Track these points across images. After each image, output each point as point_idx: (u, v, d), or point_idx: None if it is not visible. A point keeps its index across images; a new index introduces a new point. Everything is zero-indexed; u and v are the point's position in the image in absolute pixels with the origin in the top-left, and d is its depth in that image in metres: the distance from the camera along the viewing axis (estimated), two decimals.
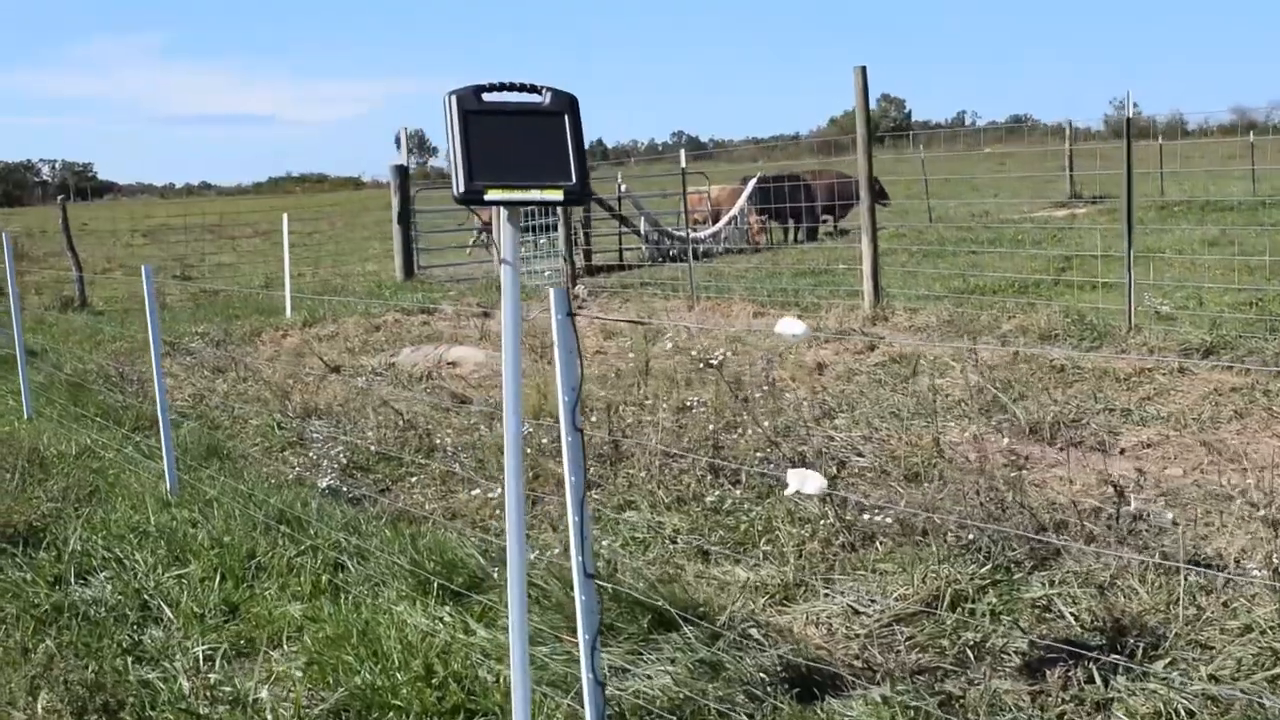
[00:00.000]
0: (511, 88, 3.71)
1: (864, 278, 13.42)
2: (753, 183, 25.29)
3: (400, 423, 8.82)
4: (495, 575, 5.56)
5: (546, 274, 19.78)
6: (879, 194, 25.61)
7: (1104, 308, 12.15)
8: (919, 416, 8.40)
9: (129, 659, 5.14)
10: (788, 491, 3.27)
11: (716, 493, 6.66)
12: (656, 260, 23.77)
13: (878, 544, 5.77)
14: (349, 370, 12.09)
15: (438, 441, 8.34)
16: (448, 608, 5.34)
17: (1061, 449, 7.54)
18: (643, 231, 24.53)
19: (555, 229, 19.27)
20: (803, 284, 17.06)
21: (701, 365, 7.32)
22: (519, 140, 3.67)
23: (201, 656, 5.12)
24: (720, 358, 6.86)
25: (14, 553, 6.59)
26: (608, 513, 6.59)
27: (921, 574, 5.16)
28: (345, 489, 7.59)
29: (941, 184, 33.33)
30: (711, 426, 7.50)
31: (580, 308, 16.31)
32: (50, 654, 5.15)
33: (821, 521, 5.94)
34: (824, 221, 27.23)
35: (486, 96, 3.67)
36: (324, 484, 7.59)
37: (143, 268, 7.81)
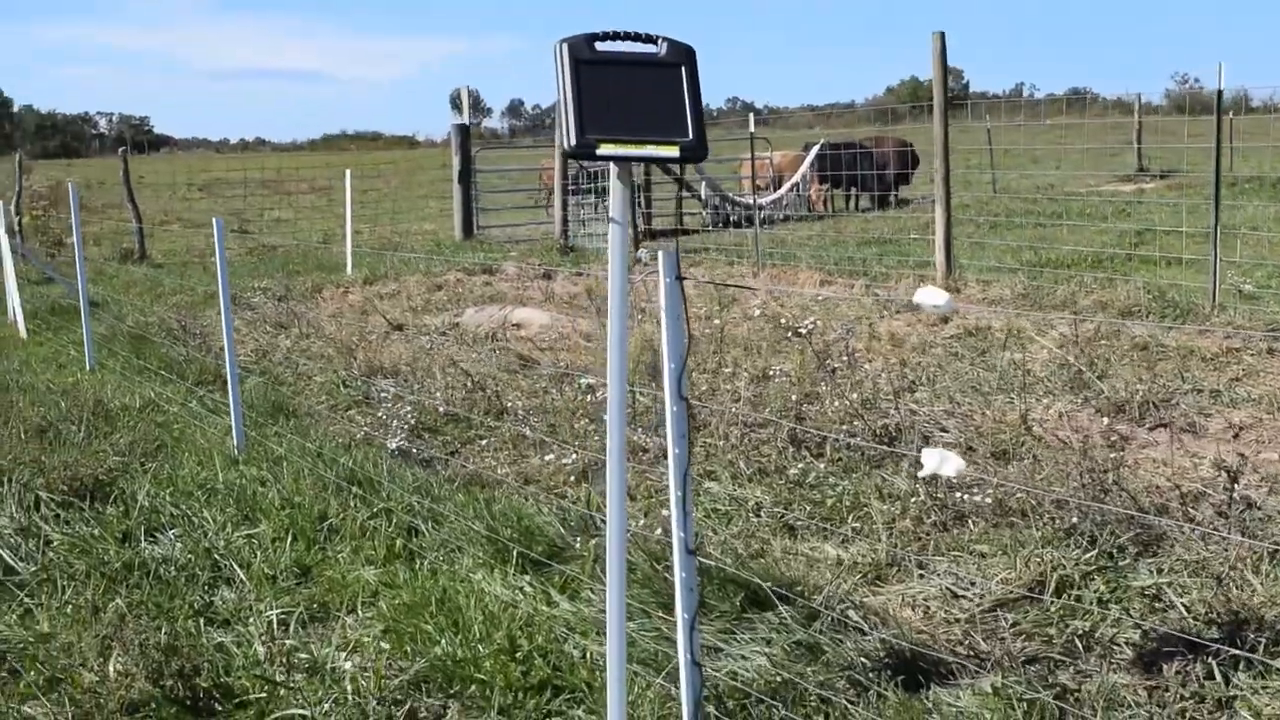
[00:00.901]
0: (625, 37, 3.51)
1: (936, 248, 13.14)
2: (815, 149, 24.99)
3: (469, 384, 8.66)
4: (576, 545, 5.39)
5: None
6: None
7: (1185, 285, 11.82)
8: (1001, 391, 8.17)
9: (201, 621, 5.01)
10: (922, 473, 3.08)
11: (800, 465, 6.46)
12: (717, 225, 23.54)
13: (970, 524, 5.56)
14: (412, 329, 11.95)
15: (507, 404, 8.17)
16: (528, 577, 5.18)
17: (1151, 429, 7.30)
18: (703, 196, 24.29)
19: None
20: (869, 253, 16.79)
21: (789, 334, 7.11)
22: (633, 93, 3.48)
23: (276, 621, 4.98)
24: (811, 326, 6.65)
25: (81, 507, 6.47)
26: (693, 478, 6.42)
27: (1025, 557, 4.95)
28: (415, 450, 7.44)
29: (1001, 155, 32.78)
30: (795, 396, 7.29)
31: (641, 272, 16.10)
32: (121, 613, 5.02)
33: (912, 499, 5.74)
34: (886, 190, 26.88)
35: (599, 45, 3.47)
36: (393, 445, 7.44)
37: (214, 220, 7.67)
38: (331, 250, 21.02)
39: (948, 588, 4.84)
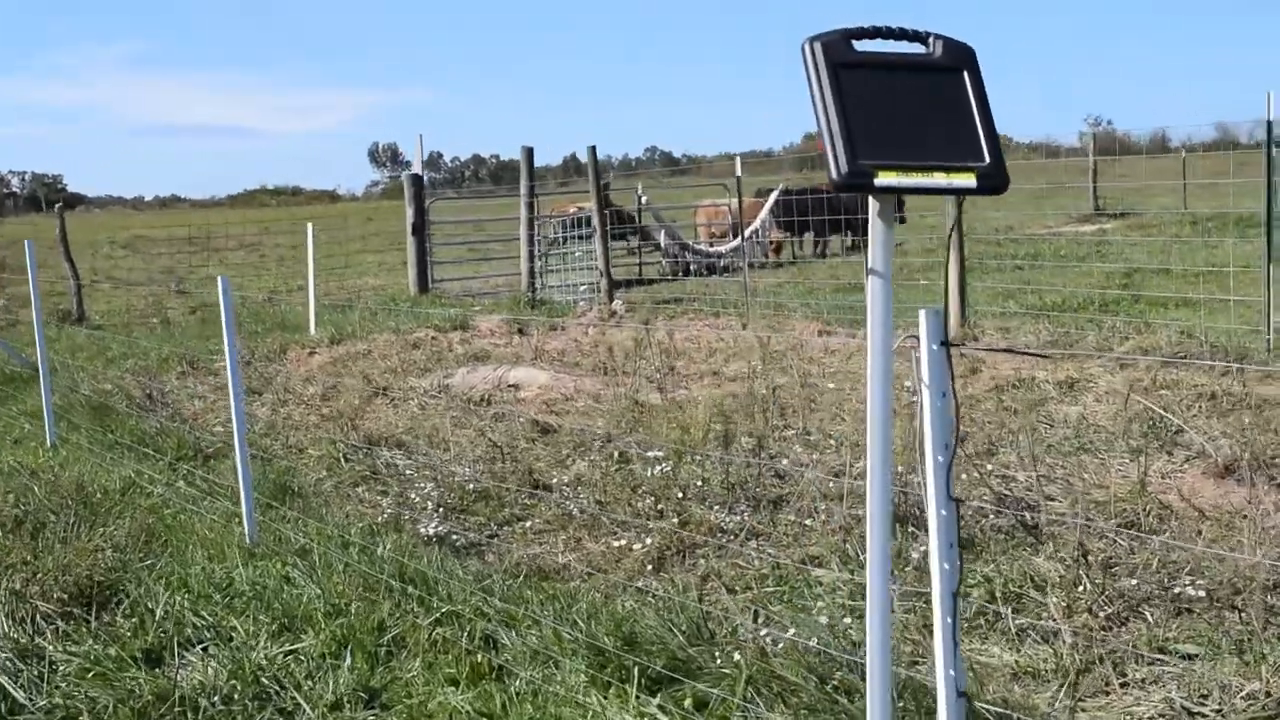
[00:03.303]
0: (888, 34, 2.72)
1: (949, 294, 12.42)
2: (775, 195, 24.36)
3: (495, 454, 7.80)
4: (716, 659, 4.51)
5: (582, 288, 18.73)
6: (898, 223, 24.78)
7: (1228, 328, 11.18)
8: (1085, 451, 7.43)
9: None
10: None
11: (920, 547, 5.64)
12: (676, 275, 22.88)
13: (1147, 615, 4.78)
14: (397, 393, 11.02)
15: (551, 479, 7.31)
16: (655, 700, 4.31)
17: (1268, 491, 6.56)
18: (662, 244, 23.63)
19: (589, 239, 18.25)
20: (854, 300, 16.09)
21: (908, 392, 6.30)
22: (907, 105, 2.69)
23: None
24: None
25: (85, 617, 5.52)
26: (789, 564, 5.59)
27: (1274, 664, 4.14)
28: (453, 535, 6.56)
29: (940, 200, 32.33)
30: (900, 468, 6.47)
31: (618, 325, 15.29)
32: None
33: (1078, 588, 4.95)
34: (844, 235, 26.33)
35: (858, 45, 2.68)
36: (431, 530, 6.55)
37: (219, 279, 6.76)
38: (280, 308, 20.02)
39: (1182, 704, 4.03)
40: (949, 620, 2.89)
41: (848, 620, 4.82)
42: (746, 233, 23.71)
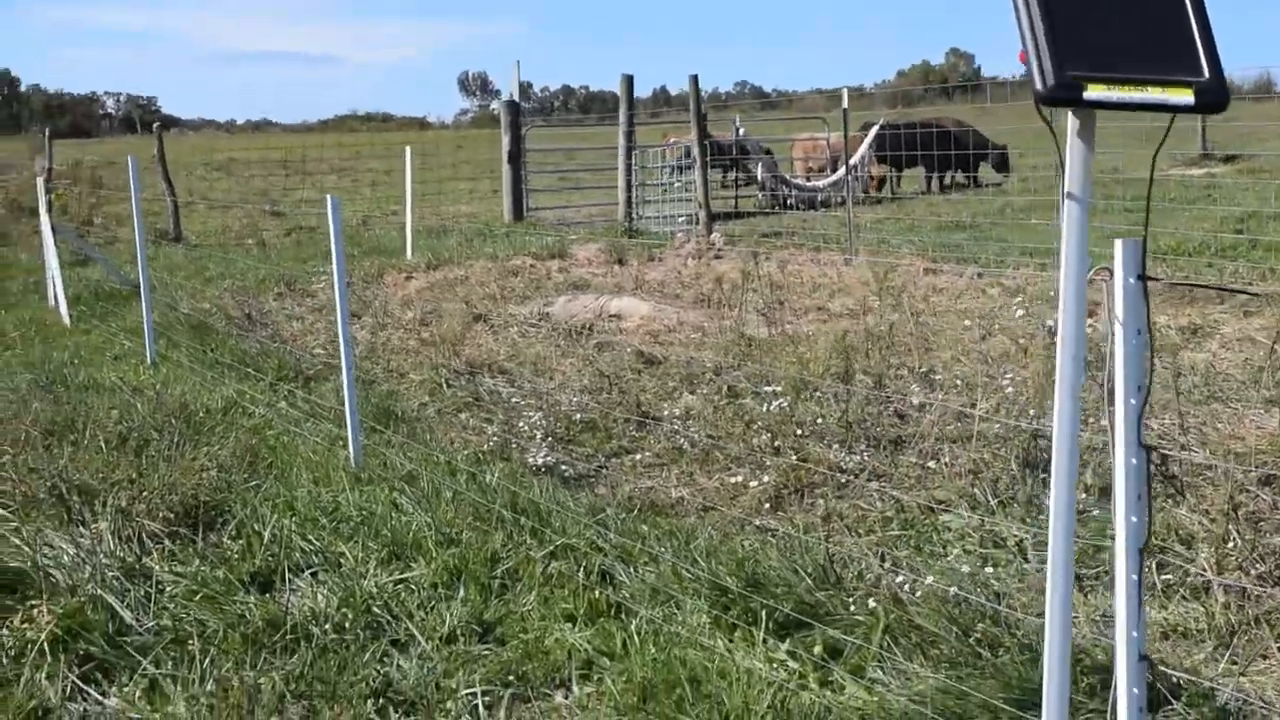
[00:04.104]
0: None
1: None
2: (875, 130, 23.89)
3: (601, 384, 7.62)
4: (850, 605, 4.31)
5: (679, 219, 18.49)
6: (1002, 163, 24.08)
7: None
8: (1215, 400, 7.12)
9: (386, 704, 3.95)
10: None
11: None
12: (773, 208, 22.53)
13: None
14: (497, 320, 10.86)
15: (661, 411, 7.12)
16: (785, 645, 4.12)
17: None
18: (759, 178, 23.28)
19: (690, 169, 17.96)
20: (958, 238, 15.72)
21: (1048, 332, 6.08)
22: (1118, 13, 2.43)
23: (481, 705, 3.92)
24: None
25: (191, 538, 5.43)
26: (914, 507, 5.36)
27: None
28: (562, 466, 6.40)
29: (1034, 138, 31.52)
30: (1032, 411, 6.22)
31: (718, 256, 15.04)
32: (280, 693, 3.97)
33: (1229, 544, 4.68)
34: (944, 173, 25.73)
35: None
36: (539, 460, 6.39)
37: (328, 198, 6.61)
38: (375, 232, 19.95)
39: None
40: (1134, 578, 2.66)
41: (988, 570, 4.58)
42: (849, 164, 23.36)
